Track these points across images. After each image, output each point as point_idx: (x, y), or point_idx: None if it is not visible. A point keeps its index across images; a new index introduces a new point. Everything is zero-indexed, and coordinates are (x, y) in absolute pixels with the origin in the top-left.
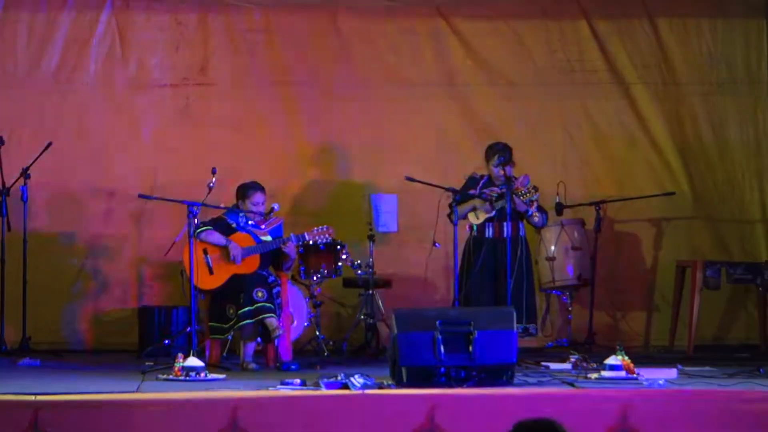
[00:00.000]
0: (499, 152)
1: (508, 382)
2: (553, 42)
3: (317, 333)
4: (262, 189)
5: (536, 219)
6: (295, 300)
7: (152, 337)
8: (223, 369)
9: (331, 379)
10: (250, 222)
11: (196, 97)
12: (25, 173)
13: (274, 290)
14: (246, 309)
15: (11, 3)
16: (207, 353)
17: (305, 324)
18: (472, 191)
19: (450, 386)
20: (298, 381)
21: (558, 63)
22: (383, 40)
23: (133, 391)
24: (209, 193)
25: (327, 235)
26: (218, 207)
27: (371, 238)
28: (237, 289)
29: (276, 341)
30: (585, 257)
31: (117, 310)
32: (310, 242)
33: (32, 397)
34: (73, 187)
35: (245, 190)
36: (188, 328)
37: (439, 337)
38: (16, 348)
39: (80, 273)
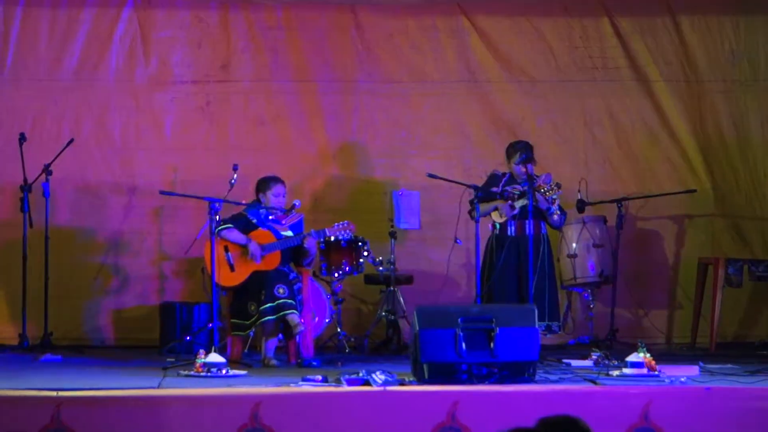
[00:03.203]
0: (521, 150)
1: (530, 379)
2: (574, 39)
3: (338, 329)
4: (282, 182)
5: (555, 218)
6: (317, 296)
7: (174, 334)
8: (244, 365)
9: (353, 376)
10: (270, 218)
11: (218, 94)
12: (46, 169)
13: (296, 287)
14: (267, 305)
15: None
16: (228, 350)
17: (326, 320)
18: (494, 189)
19: (471, 383)
20: (319, 377)
21: (580, 60)
22: (404, 37)
23: (154, 387)
24: (230, 189)
25: (348, 231)
26: (239, 203)
27: (393, 234)
28: (258, 285)
29: (297, 338)
30: (607, 254)
31: (138, 306)
32: (331, 238)
33: (54, 393)
34: (94, 184)
35: (266, 183)
36: (210, 325)
37: (461, 333)
38: (37, 344)
39: (101, 269)
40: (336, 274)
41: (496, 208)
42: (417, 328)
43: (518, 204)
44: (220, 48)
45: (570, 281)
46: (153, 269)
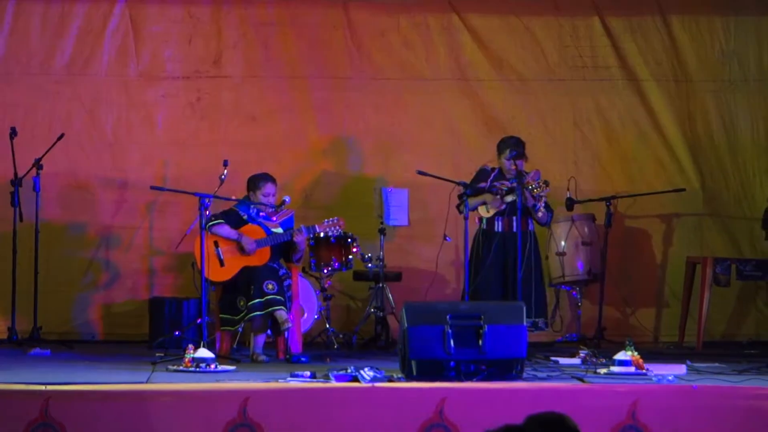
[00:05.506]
0: (512, 146)
1: (518, 377)
2: (565, 38)
3: (327, 326)
4: (273, 180)
5: (540, 215)
6: (306, 293)
7: (163, 329)
8: (233, 361)
9: (341, 372)
10: (261, 214)
11: (209, 89)
12: (37, 164)
13: (285, 283)
14: (256, 301)
15: None
16: (217, 345)
17: (315, 317)
18: (482, 184)
19: (459, 380)
20: (308, 373)
21: (570, 59)
22: (395, 33)
23: (143, 382)
24: (221, 185)
25: (337, 227)
26: (230, 199)
27: (382, 231)
28: (248, 281)
29: (286, 333)
30: (595, 252)
31: (128, 301)
32: (321, 234)
33: (42, 387)
34: (85, 178)
35: (256, 182)
36: (199, 320)
37: (449, 330)
38: (26, 338)
39: (91, 264)
40: (325, 271)
41: (484, 202)
42: (405, 324)
43: (507, 200)
44: (212, 44)
45: (559, 279)
46: (143, 264)
